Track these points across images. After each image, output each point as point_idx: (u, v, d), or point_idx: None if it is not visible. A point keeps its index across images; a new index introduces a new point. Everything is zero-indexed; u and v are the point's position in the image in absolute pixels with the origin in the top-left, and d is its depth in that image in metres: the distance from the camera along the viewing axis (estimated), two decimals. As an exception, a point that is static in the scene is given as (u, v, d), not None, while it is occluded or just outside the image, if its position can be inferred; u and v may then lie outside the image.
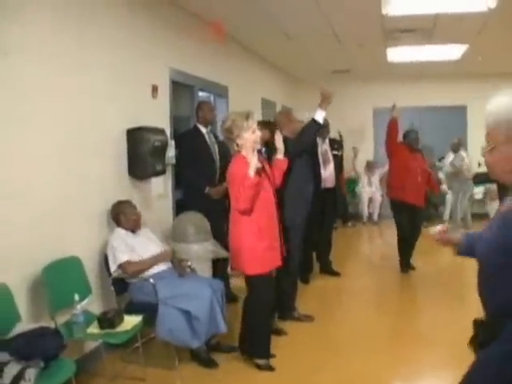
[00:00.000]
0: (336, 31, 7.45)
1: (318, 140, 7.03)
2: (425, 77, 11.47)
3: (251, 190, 3.98)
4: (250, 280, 4.26)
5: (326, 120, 7.07)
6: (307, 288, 6.58)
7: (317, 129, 5.06)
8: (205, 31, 6.57)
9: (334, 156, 7.09)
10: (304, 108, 11.47)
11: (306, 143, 5.16)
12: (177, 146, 5.76)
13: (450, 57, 9.35)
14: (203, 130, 5.90)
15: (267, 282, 4.25)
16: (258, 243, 4.11)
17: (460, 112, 11.91)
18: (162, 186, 5.61)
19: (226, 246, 5.79)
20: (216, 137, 6.06)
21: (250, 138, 4.10)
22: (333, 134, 7.59)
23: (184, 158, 5.72)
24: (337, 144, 7.27)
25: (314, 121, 4.97)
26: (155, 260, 4.40)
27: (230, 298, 5.34)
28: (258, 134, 4.15)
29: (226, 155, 5.89)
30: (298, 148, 5.00)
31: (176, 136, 5.92)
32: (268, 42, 8.21)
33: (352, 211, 11.77)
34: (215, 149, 5.92)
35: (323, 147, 7.01)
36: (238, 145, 4.14)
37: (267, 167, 4.34)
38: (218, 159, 5.86)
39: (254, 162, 3.98)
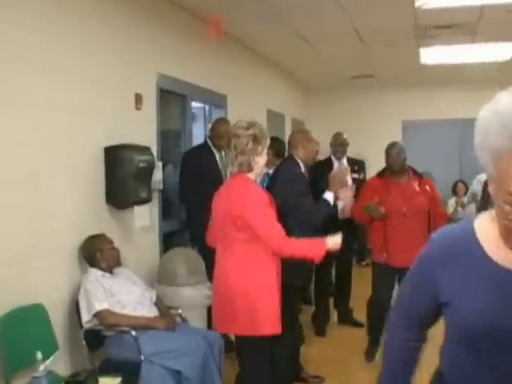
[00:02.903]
0: (358, 29, 7.46)
1: (334, 160, 7.02)
2: (466, 82, 11.48)
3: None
4: (253, 345, 4.02)
5: (341, 136, 7.13)
6: (324, 342, 6.50)
7: (328, 209, 5.01)
8: (200, 30, 6.58)
9: (354, 180, 7.04)
10: (318, 121, 11.53)
11: (313, 225, 5.03)
12: (182, 166, 5.89)
13: (496, 58, 9.35)
14: (214, 149, 6.01)
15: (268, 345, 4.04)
16: (274, 296, 3.94)
17: None
18: (146, 217, 5.57)
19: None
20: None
21: (265, 160, 4.07)
22: (353, 154, 7.53)
23: (187, 181, 5.73)
24: (357, 165, 7.23)
25: (324, 201, 4.98)
26: (145, 322, 4.33)
27: (228, 347, 5.24)
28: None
29: None
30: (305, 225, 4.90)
31: (183, 154, 6.07)
32: (276, 43, 8.24)
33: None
34: (226, 174, 5.93)
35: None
36: (249, 163, 3.95)
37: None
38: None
39: None
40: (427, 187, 5.70)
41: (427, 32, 7.61)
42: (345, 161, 7.08)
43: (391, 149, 5.71)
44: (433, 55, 9.19)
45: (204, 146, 6.09)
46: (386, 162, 5.76)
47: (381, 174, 5.89)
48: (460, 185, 10.72)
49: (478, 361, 1.71)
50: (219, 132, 5.98)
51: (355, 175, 6.99)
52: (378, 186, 5.70)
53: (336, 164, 6.99)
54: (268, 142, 4.05)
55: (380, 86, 11.91)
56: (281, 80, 10.61)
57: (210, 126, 6.18)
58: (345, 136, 7.17)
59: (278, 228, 3.84)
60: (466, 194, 10.53)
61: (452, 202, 10.65)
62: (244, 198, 3.88)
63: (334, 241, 3.97)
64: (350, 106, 12.20)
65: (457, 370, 1.80)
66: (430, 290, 1.80)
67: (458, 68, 10.17)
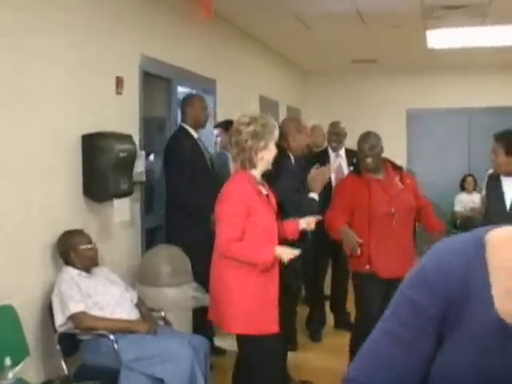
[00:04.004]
0: (360, 8, 7.45)
1: (330, 152, 7.02)
2: (476, 68, 11.49)
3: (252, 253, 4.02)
4: (244, 341, 4.18)
5: (338, 125, 7.11)
6: (319, 348, 6.50)
7: (314, 210, 4.96)
8: (189, 9, 6.54)
9: None
10: (316, 109, 11.51)
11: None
12: (168, 157, 5.79)
13: (509, 41, 9.33)
14: (194, 133, 5.91)
15: (272, 342, 4.16)
16: (253, 290, 4.05)
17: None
18: (127, 211, 5.53)
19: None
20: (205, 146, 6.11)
21: (273, 154, 4.18)
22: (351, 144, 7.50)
23: (180, 174, 5.70)
24: (356, 158, 7.21)
25: (310, 200, 5.06)
26: (125, 325, 4.32)
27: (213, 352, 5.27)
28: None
29: (219, 172, 5.97)
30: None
31: (165, 147, 5.94)
32: (270, 24, 8.24)
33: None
34: (208, 162, 5.94)
35: (336, 161, 6.97)
36: (251, 160, 4.09)
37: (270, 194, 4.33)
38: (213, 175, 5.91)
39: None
40: (408, 181, 5.36)
41: (435, 13, 7.60)
42: (342, 152, 7.07)
43: (363, 141, 5.22)
44: (440, 38, 9.18)
45: (182, 131, 5.95)
46: (359, 156, 5.33)
47: (356, 171, 5.41)
48: (469, 179, 10.76)
49: None
50: (202, 105, 5.95)
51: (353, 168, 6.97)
52: (356, 184, 5.19)
53: (332, 156, 6.97)
54: (276, 135, 4.18)
55: (383, 71, 11.90)
56: (275, 64, 10.59)
57: (182, 106, 6.02)
58: (342, 125, 7.15)
59: (231, 230, 3.96)
60: (474, 189, 10.57)
61: (459, 198, 10.69)
62: (224, 195, 4.10)
63: (284, 251, 4.03)
64: (351, 93, 12.18)
65: None
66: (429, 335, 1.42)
67: (467, 52, 10.17)
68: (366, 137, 5.23)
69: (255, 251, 4.00)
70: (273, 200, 4.28)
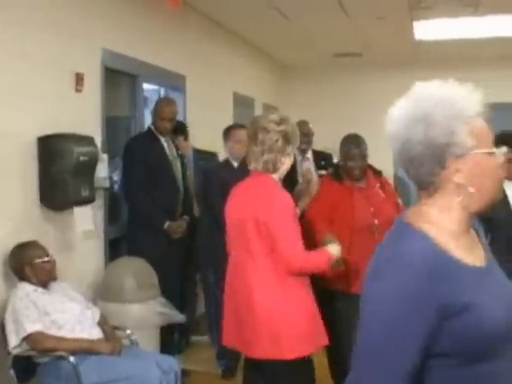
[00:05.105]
0: (341, -2, 7.47)
1: (297, 153, 6.97)
2: (468, 62, 11.54)
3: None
4: (285, 369, 4.03)
5: (307, 124, 7.07)
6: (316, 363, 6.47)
7: None
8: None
9: (321, 177, 6.98)
10: (295, 107, 11.52)
11: None
12: (124, 159, 5.81)
13: (505, 33, 9.38)
14: (161, 137, 5.91)
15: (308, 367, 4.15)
16: (305, 312, 4.01)
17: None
18: (89, 220, 5.51)
19: (181, 306, 5.71)
20: (178, 149, 6.06)
21: (290, 163, 4.18)
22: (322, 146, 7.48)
23: (134, 178, 5.69)
24: (326, 159, 7.20)
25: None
26: (86, 345, 4.29)
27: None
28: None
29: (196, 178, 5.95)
30: None
31: (124, 145, 5.94)
32: (245, 15, 8.26)
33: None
34: (177, 167, 5.91)
35: (305, 164, 6.94)
36: (275, 163, 4.04)
37: None
38: (181, 182, 5.86)
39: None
40: (387, 188, 5.26)
41: (422, 3, 7.64)
42: (309, 155, 7.05)
43: (352, 145, 5.00)
44: (429, 30, 9.24)
45: (148, 133, 5.99)
46: (344, 163, 5.06)
47: (336, 175, 5.15)
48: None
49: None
50: (163, 114, 5.89)
51: (323, 172, 6.90)
52: (337, 192, 5.01)
53: (300, 158, 6.93)
54: (298, 143, 4.20)
55: (369, 65, 11.93)
56: (251, 59, 10.63)
57: (153, 108, 6.04)
58: (310, 125, 7.12)
59: (300, 244, 3.93)
60: None
61: None
62: (272, 204, 3.96)
63: (334, 248, 4.12)
64: (334, 90, 12.21)
65: None
66: (429, 312, 1.70)
67: (458, 44, 10.21)
68: (357, 141, 5.05)
69: (320, 259, 4.04)
70: None
